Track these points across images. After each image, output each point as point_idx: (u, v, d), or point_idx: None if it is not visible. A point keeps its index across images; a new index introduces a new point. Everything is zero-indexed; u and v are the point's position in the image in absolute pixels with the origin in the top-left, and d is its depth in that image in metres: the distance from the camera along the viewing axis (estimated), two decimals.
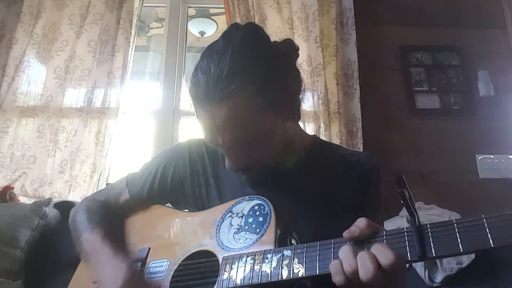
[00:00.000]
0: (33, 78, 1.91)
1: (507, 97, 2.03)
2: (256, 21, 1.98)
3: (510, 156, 1.93)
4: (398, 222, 1.55)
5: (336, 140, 1.83)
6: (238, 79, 0.70)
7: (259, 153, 0.77)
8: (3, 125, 1.81)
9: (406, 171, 1.82)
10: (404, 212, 1.60)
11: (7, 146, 1.79)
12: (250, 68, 0.72)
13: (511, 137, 1.97)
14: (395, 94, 2.04)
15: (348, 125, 1.88)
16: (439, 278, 1.40)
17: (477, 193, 1.84)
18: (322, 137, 1.82)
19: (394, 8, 2.17)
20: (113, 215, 0.95)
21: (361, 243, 0.59)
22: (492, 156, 1.93)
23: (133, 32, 2.01)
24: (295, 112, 0.81)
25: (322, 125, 1.85)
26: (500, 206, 1.79)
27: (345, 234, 0.60)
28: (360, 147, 1.84)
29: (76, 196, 1.74)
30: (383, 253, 0.54)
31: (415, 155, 1.93)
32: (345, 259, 0.56)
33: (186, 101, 2.09)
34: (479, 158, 1.93)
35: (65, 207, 1.59)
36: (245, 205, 0.76)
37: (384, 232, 0.59)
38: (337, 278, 0.56)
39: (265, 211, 0.72)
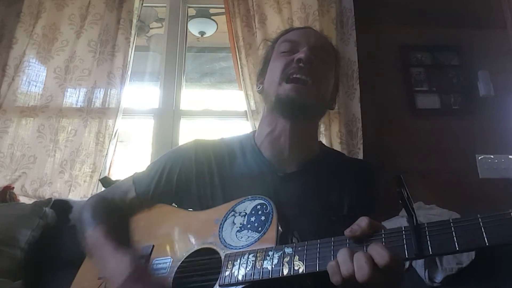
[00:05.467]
0: (33, 78, 1.91)
1: (507, 97, 2.04)
2: (256, 21, 1.99)
3: (510, 156, 1.93)
4: (398, 222, 1.55)
5: (336, 140, 1.83)
6: (329, 43, 1.01)
7: (320, 78, 0.90)
8: (3, 125, 1.81)
9: (406, 171, 1.83)
10: (404, 212, 1.60)
11: (7, 146, 1.79)
12: (334, 50, 1.01)
13: (511, 137, 1.97)
14: (395, 94, 2.05)
15: (348, 125, 1.88)
16: (439, 278, 1.40)
17: (477, 193, 1.84)
18: (322, 137, 1.83)
19: (394, 8, 2.17)
20: (118, 212, 0.96)
21: (360, 241, 0.60)
22: (492, 156, 1.93)
23: (133, 32, 2.01)
24: (334, 99, 1.00)
25: (322, 125, 1.84)
26: (500, 206, 1.79)
27: (347, 232, 0.61)
28: (360, 147, 1.83)
29: (76, 196, 1.74)
30: (379, 254, 0.55)
31: (415, 155, 1.92)
32: (342, 263, 0.57)
33: (186, 101, 2.09)
34: (479, 158, 1.93)
35: (61, 206, 1.59)
36: (248, 205, 0.77)
37: (383, 230, 0.60)
38: (334, 279, 0.58)
39: (267, 210, 0.73)
